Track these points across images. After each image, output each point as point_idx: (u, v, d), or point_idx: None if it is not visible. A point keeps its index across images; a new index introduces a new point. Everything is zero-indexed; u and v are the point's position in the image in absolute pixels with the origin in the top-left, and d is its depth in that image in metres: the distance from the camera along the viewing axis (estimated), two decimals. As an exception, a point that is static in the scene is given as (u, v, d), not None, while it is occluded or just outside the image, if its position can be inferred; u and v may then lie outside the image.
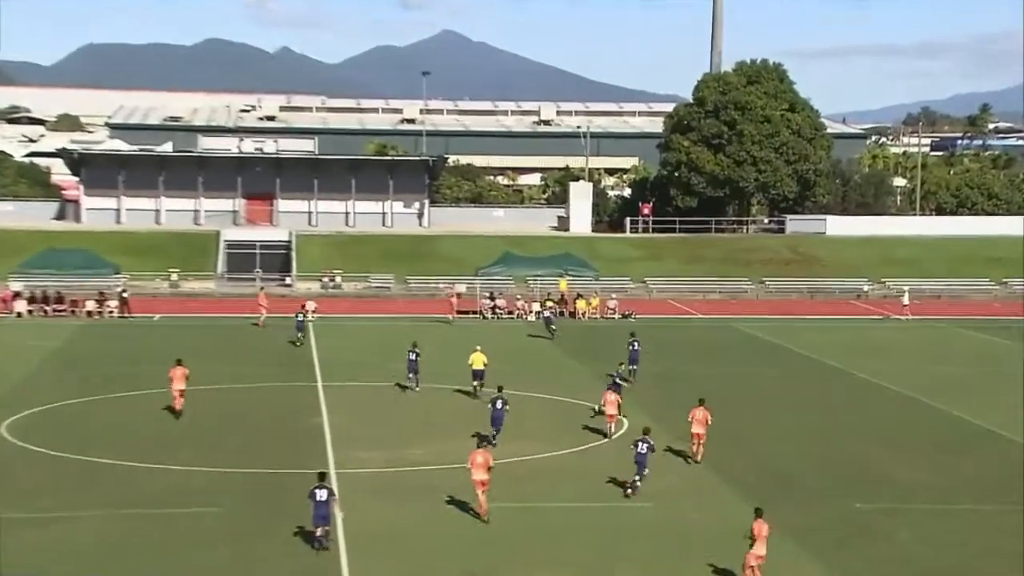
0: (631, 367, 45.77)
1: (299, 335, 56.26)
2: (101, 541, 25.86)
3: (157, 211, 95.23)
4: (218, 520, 27.34)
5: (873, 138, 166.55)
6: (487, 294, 70.49)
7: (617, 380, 39.25)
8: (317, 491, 25.52)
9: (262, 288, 68.02)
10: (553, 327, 60.63)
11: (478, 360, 42.61)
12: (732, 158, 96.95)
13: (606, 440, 36.05)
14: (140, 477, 31.09)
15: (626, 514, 28.30)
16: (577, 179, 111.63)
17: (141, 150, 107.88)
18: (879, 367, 51.32)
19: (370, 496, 29.54)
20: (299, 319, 57.61)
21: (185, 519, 27.41)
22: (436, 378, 44.72)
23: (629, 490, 29.57)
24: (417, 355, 43.80)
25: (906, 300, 71.82)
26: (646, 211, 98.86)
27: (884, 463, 34.13)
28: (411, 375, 43.64)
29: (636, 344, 46.89)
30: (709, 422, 33.59)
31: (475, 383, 42.47)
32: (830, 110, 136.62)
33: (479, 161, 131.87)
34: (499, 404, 35.00)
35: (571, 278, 73.29)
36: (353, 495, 28.97)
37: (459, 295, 69.49)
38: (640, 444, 29.77)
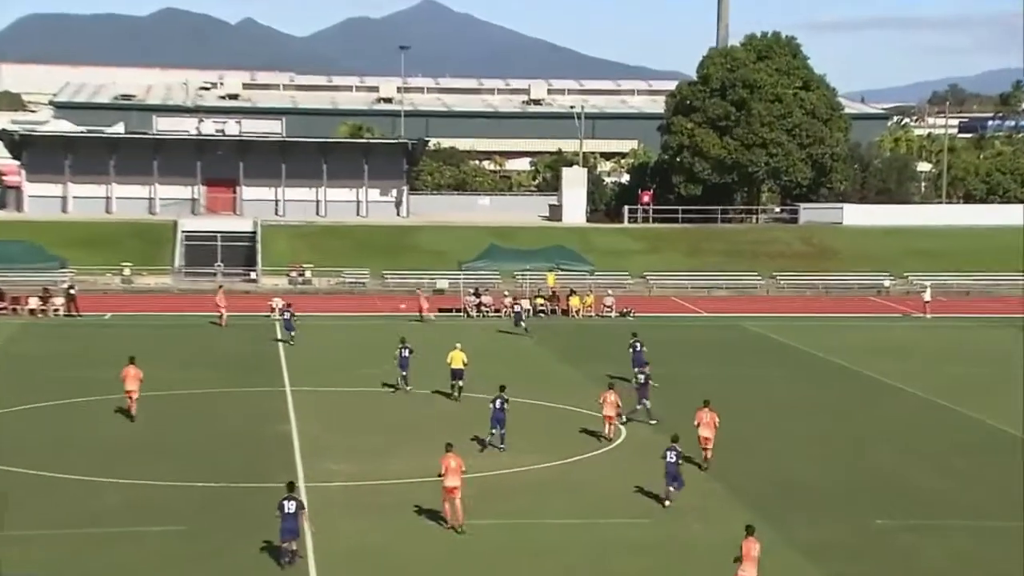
0: (636, 370, 46.09)
1: (290, 334, 56.98)
2: (52, 565, 25.96)
3: (107, 199, 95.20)
4: (180, 538, 27.51)
5: (895, 119, 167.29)
6: (471, 290, 70.76)
7: (642, 383, 39.92)
8: (286, 503, 25.78)
9: (221, 286, 68.19)
10: (523, 323, 62.31)
11: (457, 359, 43.22)
12: (740, 141, 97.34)
13: (602, 449, 36.34)
14: (94, 493, 31.20)
15: (621, 530, 28.56)
16: (570, 164, 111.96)
17: (89, 131, 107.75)
18: (894, 368, 51.76)
19: (342, 511, 29.77)
20: (286, 316, 58.25)
21: (145, 538, 27.56)
22: (415, 381, 45.06)
23: (668, 502, 30.27)
24: (410, 351, 44.85)
25: (927, 296, 72.28)
26: (646, 199, 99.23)
27: (904, 472, 34.47)
28: (403, 373, 44.57)
29: (639, 345, 47.22)
30: (717, 425, 34.16)
31: (454, 382, 43.19)
32: (848, 88, 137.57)
33: (463, 144, 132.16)
34: (499, 404, 35.74)
35: (562, 272, 73.60)
36: (324, 510, 29.20)
37: (438, 291, 69.79)
38: (669, 453, 30.51)
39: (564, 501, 31.06)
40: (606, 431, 37.59)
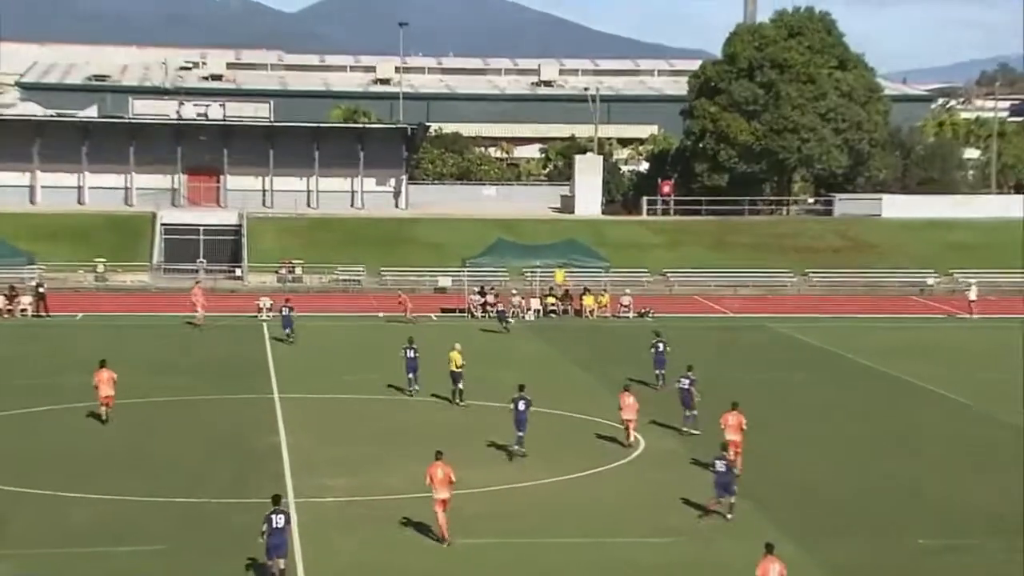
0: (657, 371, 47.01)
1: (287, 332, 57.81)
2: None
3: (79, 188, 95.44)
4: (159, 559, 27.58)
5: (940, 101, 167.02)
6: (476, 289, 70.87)
7: (687, 387, 40.16)
8: (273, 517, 25.81)
9: (197, 282, 68.38)
10: (507, 323, 63.45)
11: (456, 359, 43.76)
12: (769, 126, 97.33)
13: (619, 461, 36.41)
14: (66, 509, 31.28)
15: (637, 551, 28.61)
16: (584, 151, 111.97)
17: (59, 115, 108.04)
18: (934, 372, 51.86)
19: (336, 528, 29.86)
20: (285, 313, 58.57)
21: (120, 559, 27.65)
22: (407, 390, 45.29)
23: (730, 515, 30.70)
24: (416, 352, 45.48)
25: (973, 295, 72.22)
26: (666, 189, 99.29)
27: (947, 488, 34.45)
28: (411, 375, 45.27)
29: (661, 345, 47.92)
30: (744, 427, 34.43)
31: (454, 387, 43.83)
32: (888, 68, 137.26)
33: (467, 130, 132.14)
34: (521, 405, 36.61)
35: (575, 270, 73.74)
36: (315, 528, 29.31)
37: (440, 289, 70.05)
38: (719, 463, 31.06)
39: (576, 517, 31.11)
40: (628, 437, 38.02)
